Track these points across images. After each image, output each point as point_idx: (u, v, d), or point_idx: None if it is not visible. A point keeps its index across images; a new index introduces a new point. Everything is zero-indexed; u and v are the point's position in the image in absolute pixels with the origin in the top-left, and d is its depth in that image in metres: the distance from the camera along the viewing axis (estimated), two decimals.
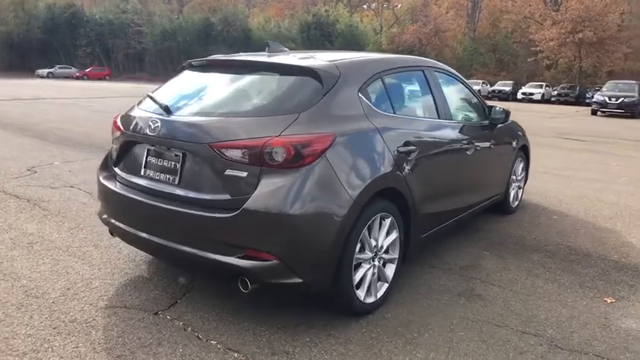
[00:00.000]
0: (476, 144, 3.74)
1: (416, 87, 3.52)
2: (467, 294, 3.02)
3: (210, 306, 2.71)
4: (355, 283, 2.56)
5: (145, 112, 2.81)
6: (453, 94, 3.92)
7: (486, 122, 4.13)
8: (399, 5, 55.31)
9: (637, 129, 15.86)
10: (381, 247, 2.73)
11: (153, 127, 2.61)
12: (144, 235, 2.61)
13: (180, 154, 2.52)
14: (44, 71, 47.31)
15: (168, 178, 2.57)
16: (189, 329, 2.48)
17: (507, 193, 4.64)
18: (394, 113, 3.00)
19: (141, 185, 2.68)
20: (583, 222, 4.65)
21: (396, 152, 2.76)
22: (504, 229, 4.36)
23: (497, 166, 4.41)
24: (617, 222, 4.68)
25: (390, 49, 44.11)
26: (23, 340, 2.31)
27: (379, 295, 2.75)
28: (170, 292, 2.87)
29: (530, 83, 36.46)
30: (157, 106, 2.75)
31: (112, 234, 3.00)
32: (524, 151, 5.00)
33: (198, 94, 2.91)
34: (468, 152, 3.64)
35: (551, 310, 2.86)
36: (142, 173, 2.71)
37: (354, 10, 57.70)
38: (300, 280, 2.35)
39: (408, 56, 4.11)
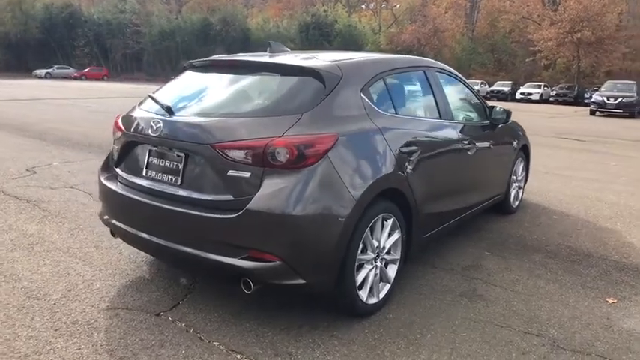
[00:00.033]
0: (477, 144, 3.74)
1: (417, 87, 3.52)
2: (469, 294, 3.02)
3: (212, 307, 2.71)
4: (358, 283, 2.56)
5: (146, 113, 2.80)
6: (454, 94, 3.92)
7: (487, 122, 4.13)
8: (398, 5, 55.35)
9: (635, 129, 15.90)
10: (384, 247, 2.73)
11: (155, 127, 2.60)
12: (145, 235, 2.61)
13: (183, 155, 2.51)
14: (42, 71, 47.09)
15: (171, 179, 2.56)
16: (192, 330, 2.47)
17: (508, 193, 4.64)
18: (396, 113, 3.00)
19: (142, 186, 2.67)
20: (583, 222, 4.66)
21: (398, 153, 2.76)
22: (505, 229, 4.36)
23: (498, 166, 4.42)
24: (618, 222, 4.69)
25: (389, 49, 44.13)
26: (25, 342, 2.31)
27: (381, 295, 2.75)
28: (172, 293, 2.86)
29: (529, 83, 36.47)
30: (158, 107, 2.74)
31: (113, 235, 2.99)
32: (525, 152, 5.01)
33: (200, 95, 2.90)
34: (470, 152, 3.64)
35: (553, 310, 2.86)
36: (144, 174, 2.70)
37: (352, 10, 57.73)
38: (303, 281, 2.35)
39: (410, 56, 4.11)
